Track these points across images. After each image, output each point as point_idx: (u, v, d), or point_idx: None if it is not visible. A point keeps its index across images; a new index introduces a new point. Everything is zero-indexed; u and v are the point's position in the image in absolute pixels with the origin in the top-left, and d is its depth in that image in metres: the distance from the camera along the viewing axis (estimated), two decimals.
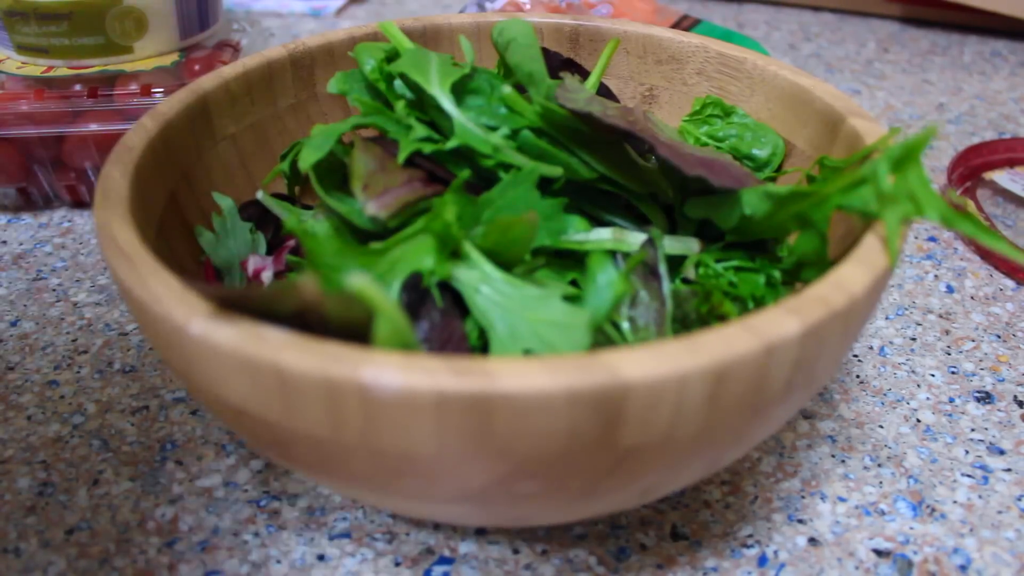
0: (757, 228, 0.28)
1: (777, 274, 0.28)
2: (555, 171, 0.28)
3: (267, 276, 0.31)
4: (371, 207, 0.27)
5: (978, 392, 0.36)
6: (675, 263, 0.29)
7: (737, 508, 0.30)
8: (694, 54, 0.37)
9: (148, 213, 0.27)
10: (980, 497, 0.31)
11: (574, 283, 0.27)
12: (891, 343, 0.39)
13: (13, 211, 0.48)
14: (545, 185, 0.29)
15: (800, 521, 0.30)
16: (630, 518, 0.30)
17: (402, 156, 0.28)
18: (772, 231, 0.28)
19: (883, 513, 0.30)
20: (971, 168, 0.51)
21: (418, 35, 0.38)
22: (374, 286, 0.20)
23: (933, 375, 0.37)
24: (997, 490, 0.31)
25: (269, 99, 0.35)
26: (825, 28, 0.78)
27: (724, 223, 0.28)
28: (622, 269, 0.26)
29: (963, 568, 0.28)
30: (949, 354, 0.38)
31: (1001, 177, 0.51)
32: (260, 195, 0.33)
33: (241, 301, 0.20)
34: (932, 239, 0.46)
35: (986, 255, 0.45)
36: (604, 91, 0.38)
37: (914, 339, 0.39)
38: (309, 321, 0.20)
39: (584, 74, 0.36)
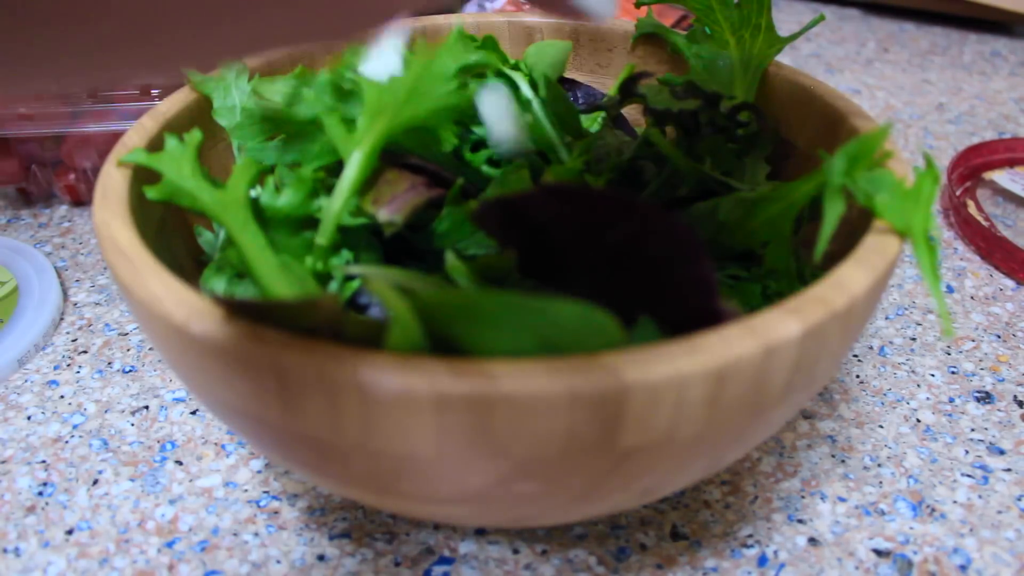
0: (733, 237, 0.28)
1: (774, 285, 0.28)
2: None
3: None
4: (384, 214, 0.27)
5: (978, 392, 0.36)
6: None
7: (737, 508, 0.30)
8: None
9: (148, 213, 0.27)
10: (980, 497, 0.31)
11: None
12: (891, 343, 0.39)
13: (13, 211, 0.48)
14: None
15: (800, 521, 0.30)
16: (630, 518, 0.30)
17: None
18: (746, 239, 0.28)
19: (883, 513, 0.30)
20: (971, 168, 0.51)
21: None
22: (392, 288, 0.20)
23: (933, 375, 0.37)
24: (997, 490, 0.31)
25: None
26: (825, 28, 0.78)
27: (704, 232, 0.28)
28: None
29: (963, 568, 0.28)
30: (949, 354, 0.38)
31: (1001, 177, 0.51)
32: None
33: (257, 312, 0.20)
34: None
35: (986, 255, 0.45)
36: (621, 121, 0.38)
37: (914, 339, 0.39)
38: (323, 337, 0.20)
39: (597, 95, 0.37)
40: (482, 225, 0.25)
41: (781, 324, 0.20)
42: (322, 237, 0.27)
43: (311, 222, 0.28)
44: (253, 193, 0.28)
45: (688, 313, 0.22)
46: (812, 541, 0.29)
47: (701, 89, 0.30)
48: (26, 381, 0.36)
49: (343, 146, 0.28)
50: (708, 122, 0.30)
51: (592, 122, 0.36)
